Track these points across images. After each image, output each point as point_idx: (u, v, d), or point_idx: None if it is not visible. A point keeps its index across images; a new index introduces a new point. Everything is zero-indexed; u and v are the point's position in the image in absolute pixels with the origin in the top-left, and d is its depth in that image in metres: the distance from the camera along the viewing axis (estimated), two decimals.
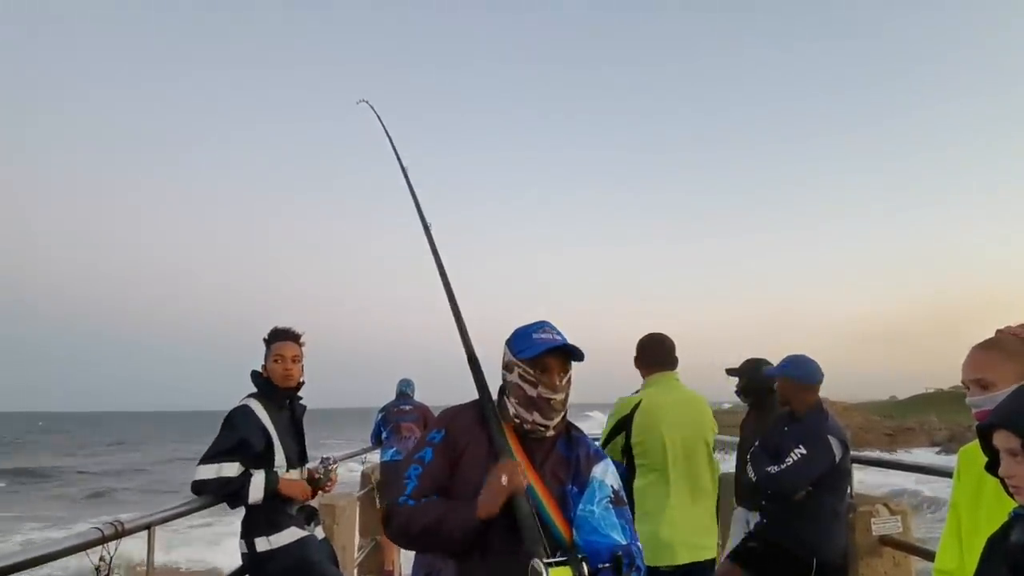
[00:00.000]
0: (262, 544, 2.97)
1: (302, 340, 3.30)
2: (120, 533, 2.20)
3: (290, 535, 3.03)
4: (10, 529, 19.26)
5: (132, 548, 2.35)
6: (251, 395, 3.18)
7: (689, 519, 3.01)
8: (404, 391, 7.43)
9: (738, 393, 3.92)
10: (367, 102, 2.81)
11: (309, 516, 3.24)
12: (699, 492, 3.08)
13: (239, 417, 3.06)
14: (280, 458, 3.10)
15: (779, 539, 3.23)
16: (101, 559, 2.10)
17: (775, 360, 3.50)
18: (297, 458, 3.21)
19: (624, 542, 1.58)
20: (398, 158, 2.41)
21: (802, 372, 3.28)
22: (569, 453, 1.74)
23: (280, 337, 3.25)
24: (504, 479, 1.57)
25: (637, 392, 3.22)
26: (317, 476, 3.27)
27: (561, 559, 1.44)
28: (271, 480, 3.00)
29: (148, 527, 2.43)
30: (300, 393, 3.32)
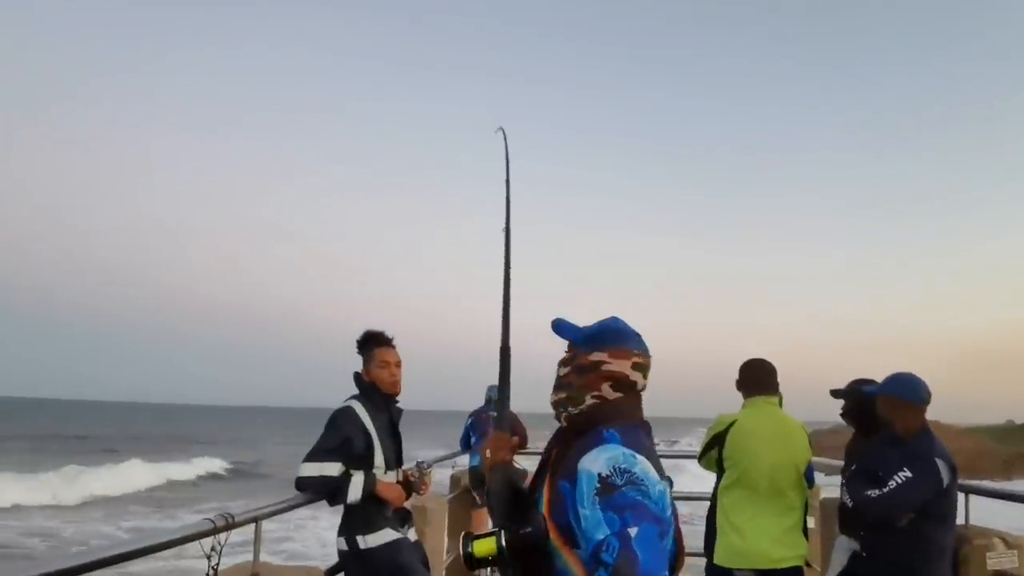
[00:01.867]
0: (360, 543, 3.09)
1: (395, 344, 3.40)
2: (230, 525, 2.31)
3: (385, 536, 3.13)
4: None
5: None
6: (354, 396, 3.29)
7: (770, 531, 3.18)
8: (493, 397, 7.51)
9: (843, 415, 3.75)
10: (503, 130, 2.87)
11: (403, 518, 3.32)
12: (784, 509, 3.23)
13: (343, 418, 3.18)
14: (379, 459, 3.19)
15: (879, 571, 3.03)
16: (212, 548, 2.22)
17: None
18: (394, 460, 3.30)
19: (600, 537, 1.33)
20: (507, 189, 2.51)
21: (906, 390, 3.07)
22: (569, 445, 1.59)
23: (383, 343, 3.34)
24: (487, 452, 1.72)
25: (737, 412, 3.42)
26: (412, 479, 3.38)
27: (490, 531, 1.44)
28: (370, 482, 3.10)
29: (256, 520, 2.56)
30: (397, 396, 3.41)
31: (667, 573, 1.39)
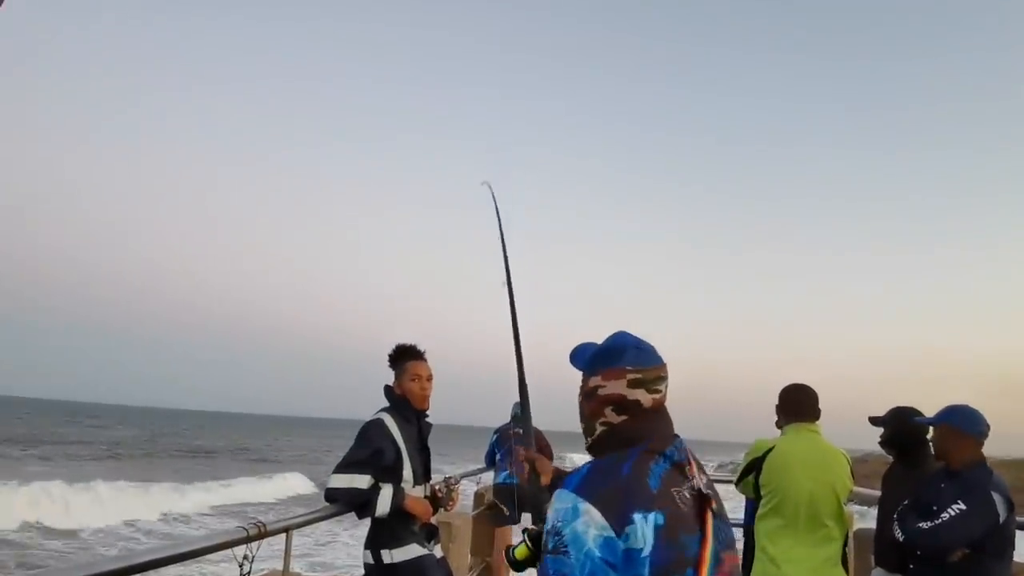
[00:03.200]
0: (385, 557, 3.07)
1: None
2: (263, 534, 2.31)
3: (411, 551, 3.10)
4: None
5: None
6: (384, 409, 3.29)
7: (807, 561, 3.07)
8: (518, 414, 7.45)
9: (882, 444, 3.65)
10: (489, 185, 2.95)
11: (430, 534, 3.29)
12: (823, 540, 3.12)
13: (374, 430, 3.18)
14: (408, 473, 3.18)
15: None
16: (245, 556, 2.21)
17: (923, 409, 3.31)
18: (423, 474, 3.29)
19: None
20: (503, 243, 2.59)
21: (965, 421, 2.97)
22: None
23: (415, 356, 3.34)
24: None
25: (776, 437, 3.33)
26: (440, 494, 3.35)
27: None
28: (398, 496, 3.10)
29: (287, 530, 2.55)
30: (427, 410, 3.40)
31: None
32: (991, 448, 3.12)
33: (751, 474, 3.26)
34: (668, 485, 1.32)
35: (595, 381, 1.48)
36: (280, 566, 2.61)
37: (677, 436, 1.44)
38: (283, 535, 2.53)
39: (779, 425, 3.42)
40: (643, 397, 1.44)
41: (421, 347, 3.38)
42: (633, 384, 1.44)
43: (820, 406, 3.34)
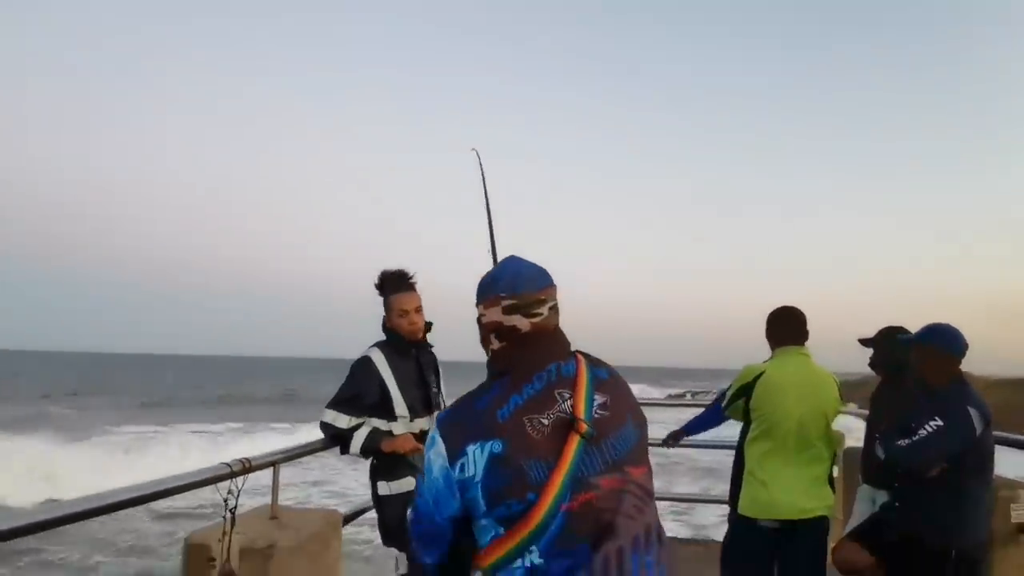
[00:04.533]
0: (382, 488, 3.06)
1: (415, 282, 3.16)
2: (247, 469, 2.31)
3: (406, 484, 3.05)
4: None
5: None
6: (376, 344, 3.17)
7: (797, 483, 3.12)
8: None
9: (871, 365, 3.66)
10: (476, 151, 2.88)
11: None
12: (812, 460, 3.16)
13: (359, 368, 3.09)
14: (401, 408, 3.08)
15: (912, 525, 2.94)
16: (229, 492, 2.22)
17: (914, 330, 3.28)
18: (422, 406, 3.14)
19: None
20: (488, 211, 2.52)
21: (943, 341, 2.95)
22: None
23: (398, 288, 3.12)
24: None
25: (766, 362, 3.31)
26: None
27: None
28: (371, 438, 3.02)
29: (273, 464, 2.56)
30: (431, 339, 3.25)
31: (432, 558, 1.47)
32: (992, 370, 3.11)
33: (741, 399, 3.27)
34: (521, 414, 1.36)
35: (480, 310, 1.53)
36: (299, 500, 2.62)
37: (561, 359, 1.45)
38: (270, 469, 2.54)
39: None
40: (520, 323, 1.46)
41: (410, 273, 3.15)
42: (508, 310, 1.46)
43: (809, 328, 3.32)
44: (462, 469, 1.35)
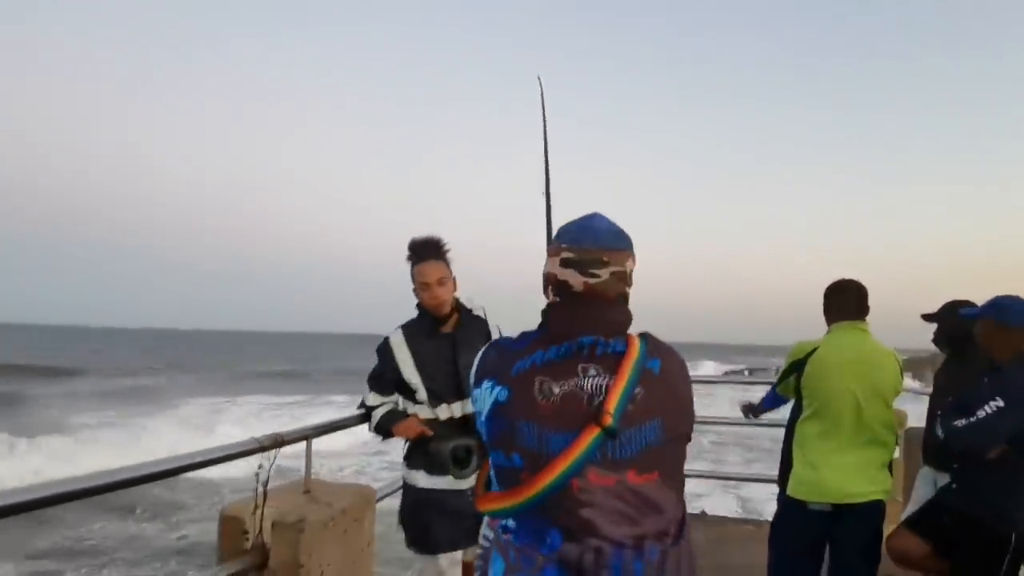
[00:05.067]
0: (403, 474, 2.96)
1: (447, 251, 2.84)
2: (279, 443, 2.30)
3: (415, 478, 2.85)
4: None
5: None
6: (405, 324, 2.92)
7: (849, 465, 2.93)
8: None
9: (935, 341, 3.45)
10: (539, 80, 2.75)
11: (452, 460, 2.75)
12: (867, 442, 2.96)
13: (379, 350, 2.91)
14: (422, 393, 2.81)
15: (970, 508, 2.79)
16: (260, 466, 2.21)
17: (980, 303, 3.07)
18: (450, 391, 2.81)
19: None
20: (545, 143, 2.41)
21: (1007, 314, 2.75)
22: None
23: (420, 256, 2.78)
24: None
25: (820, 338, 3.10)
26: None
27: None
28: (386, 419, 2.85)
29: (307, 438, 2.56)
30: (477, 310, 2.95)
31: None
32: None
33: (791, 375, 3.10)
34: (535, 373, 1.30)
35: (546, 259, 1.44)
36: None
37: (605, 334, 1.33)
38: (303, 443, 2.53)
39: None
40: (574, 279, 1.35)
41: (438, 240, 2.82)
42: (565, 263, 1.37)
43: (871, 303, 3.11)
44: (476, 401, 1.37)
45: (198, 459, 2.11)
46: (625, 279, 1.38)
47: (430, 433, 2.75)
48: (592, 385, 1.28)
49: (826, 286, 3.18)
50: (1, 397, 25.58)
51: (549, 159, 2.37)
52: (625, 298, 1.39)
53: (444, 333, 2.84)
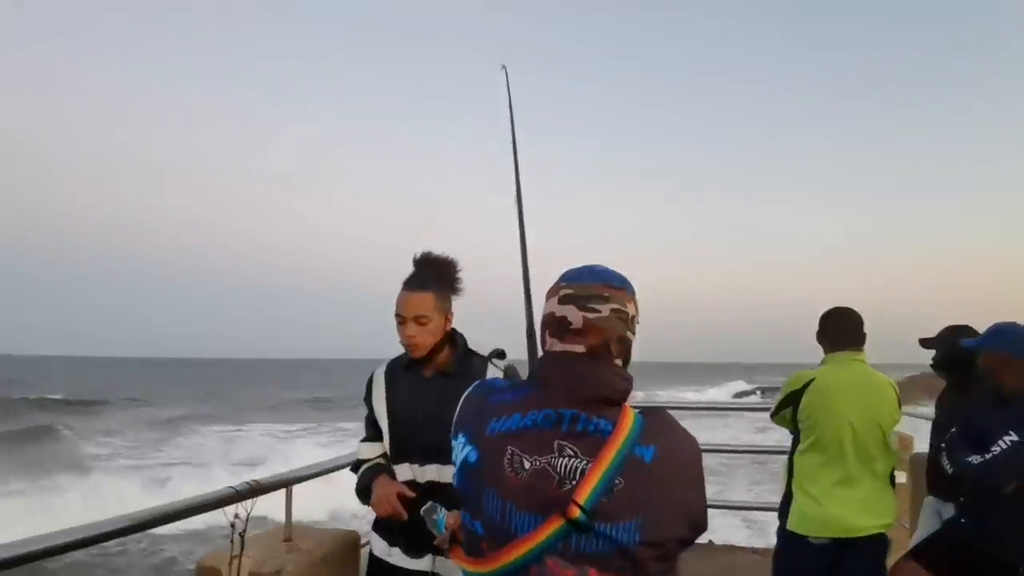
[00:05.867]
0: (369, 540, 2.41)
1: (451, 282, 2.24)
2: (255, 491, 2.25)
3: (375, 544, 2.29)
4: None
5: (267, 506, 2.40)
6: (397, 357, 2.33)
7: (851, 498, 2.87)
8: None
9: (934, 367, 3.37)
10: (505, 69, 2.66)
11: (410, 541, 2.15)
12: (868, 474, 2.91)
13: (367, 384, 2.36)
14: (385, 442, 2.26)
15: (977, 541, 2.72)
16: (236, 516, 2.15)
17: (982, 328, 3.00)
18: (419, 449, 2.17)
19: None
20: (512, 132, 2.29)
21: (1013, 345, 2.66)
22: None
23: (405, 281, 2.20)
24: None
25: (817, 367, 3.06)
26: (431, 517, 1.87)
27: None
28: (362, 481, 2.25)
29: (287, 484, 2.50)
30: (482, 352, 2.28)
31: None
32: None
33: (788, 407, 3.03)
34: (508, 440, 1.18)
35: (544, 303, 1.32)
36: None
37: (591, 410, 1.17)
38: (283, 491, 2.47)
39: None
40: (572, 315, 1.22)
41: (442, 261, 2.24)
42: (564, 300, 1.25)
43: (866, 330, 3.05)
44: (453, 447, 1.28)
45: (173, 509, 2.06)
46: (627, 321, 1.25)
47: (404, 517, 2.08)
48: (566, 467, 1.13)
49: (822, 313, 3.12)
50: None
51: (518, 157, 2.24)
52: (626, 350, 1.26)
53: (426, 377, 2.22)
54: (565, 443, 1.15)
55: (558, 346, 1.24)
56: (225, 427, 29.38)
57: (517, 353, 2.00)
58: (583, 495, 1.09)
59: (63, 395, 43.23)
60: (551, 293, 1.29)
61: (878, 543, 2.88)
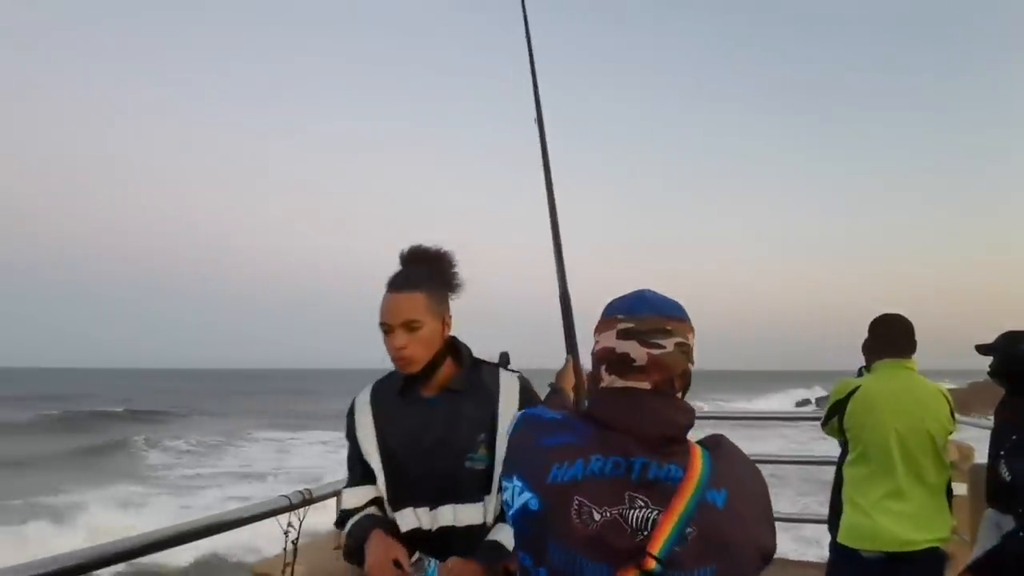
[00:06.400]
0: None
1: (447, 279, 1.84)
2: (307, 501, 2.31)
3: None
4: None
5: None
6: (382, 379, 1.91)
7: (902, 511, 2.79)
8: None
9: (991, 374, 3.27)
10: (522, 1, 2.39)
11: None
12: (918, 488, 2.82)
13: (347, 416, 1.90)
14: (381, 484, 1.80)
15: None
16: (290, 524, 2.22)
17: None
18: (422, 490, 1.75)
19: None
20: (532, 70, 2.20)
21: None
22: None
23: (389, 282, 1.79)
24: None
25: (863, 375, 3.04)
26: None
27: None
28: (352, 537, 1.76)
29: (337, 493, 2.55)
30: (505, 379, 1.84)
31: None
32: None
33: (835, 416, 2.98)
34: (574, 491, 1.12)
35: (594, 339, 1.26)
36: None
37: (659, 455, 1.13)
38: (334, 500, 2.53)
39: (868, 362, 3.10)
40: (635, 351, 1.17)
41: (433, 253, 1.84)
42: (624, 335, 1.18)
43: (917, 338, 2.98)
44: (504, 488, 1.21)
45: (226, 519, 2.12)
46: (689, 354, 1.20)
47: None
48: (638, 518, 1.11)
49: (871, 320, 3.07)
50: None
51: (539, 91, 2.16)
52: (688, 382, 1.22)
53: (426, 397, 1.80)
54: (636, 494, 1.12)
55: (618, 383, 1.19)
56: (280, 435, 30.13)
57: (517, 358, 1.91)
58: (657, 546, 1.08)
59: (127, 407, 45.03)
60: (605, 326, 1.23)
61: (934, 557, 2.81)
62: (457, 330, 1.86)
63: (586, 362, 1.48)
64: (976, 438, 4.47)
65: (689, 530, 1.09)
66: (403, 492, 1.78)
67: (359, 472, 1.85)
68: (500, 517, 1.72)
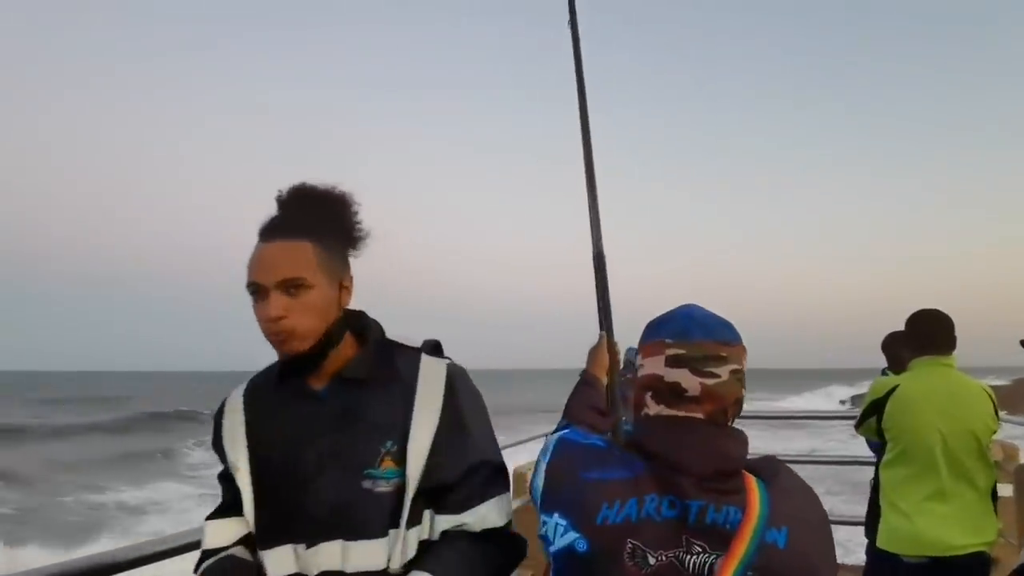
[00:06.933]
0: None
1: (348, 226, 1.31)
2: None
3: None
4: None
5: None
6: (260, 372, 1.41)
7: (944, 514, 2.67)
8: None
9: None
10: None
11: None
12: (963, 487, 2.69)
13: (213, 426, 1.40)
14: (248, 511, 1.28)
15: None
16: None
17: None
18: (316, 522, 1.21)
19: None
20: (581, 89, 1.85)
21: None
22: None
23: (261, 231, 1.26)
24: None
25: (887, 375, 2.96)
26: None
27: None
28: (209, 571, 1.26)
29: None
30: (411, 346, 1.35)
31: None
32: None
33: (872, 416, 2.86)
34: (628, 533, 1.05)
35: (638, 361, 1.16)
36: None
37: (714, 497, 1.05)
38: None
39: (904, 360, 2.96)
40: (687, 381, 1.07)
41: (319, 192, 1.29)
42: (674, 362, 1.09)
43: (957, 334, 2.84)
44: (543, 524, 1.12)
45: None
46: (743, 380, 1.11)
47: None
48: (696, 563, 1.04)
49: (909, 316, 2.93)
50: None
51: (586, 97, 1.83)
52: (739, 409, 1.12)
53: (315, 390, 1.29)
54: (694, 540, 1.05)
55: (666, 412, 1.10)
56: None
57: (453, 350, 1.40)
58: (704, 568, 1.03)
59: (174, 407, 44.90)
60: (652, 351, 1.13)
61: (979, 562, 2.67)
62: (369, 304, 1.35)
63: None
64: (1022, 436, 4.31)
65: (750, 574, 1.02)
66: (277, 522, 1.24)
67: (230, 497, 1.34)
68: (415, 561, 1.20)
